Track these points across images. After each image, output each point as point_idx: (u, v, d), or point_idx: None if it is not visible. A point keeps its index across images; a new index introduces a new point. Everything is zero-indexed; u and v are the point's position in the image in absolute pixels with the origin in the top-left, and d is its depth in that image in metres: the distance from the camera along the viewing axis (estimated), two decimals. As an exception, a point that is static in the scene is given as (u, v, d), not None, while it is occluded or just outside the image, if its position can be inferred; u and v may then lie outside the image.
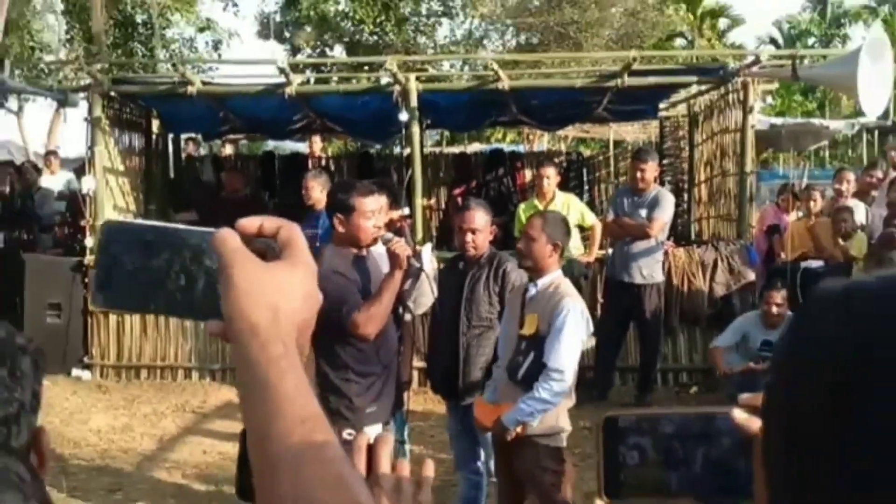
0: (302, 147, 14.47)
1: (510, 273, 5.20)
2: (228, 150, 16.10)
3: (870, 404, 0.66)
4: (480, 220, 5.25)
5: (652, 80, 9.65)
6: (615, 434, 1.04)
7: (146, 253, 0.99)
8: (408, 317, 5.46)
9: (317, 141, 13.48)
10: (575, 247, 8.32)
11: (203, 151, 15.15)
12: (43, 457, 1.35)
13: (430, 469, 1.23)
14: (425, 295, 5.21)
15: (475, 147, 17.89)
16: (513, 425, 4.43)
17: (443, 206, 12.74)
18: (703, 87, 10.31)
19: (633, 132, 16.16)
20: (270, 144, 18.66)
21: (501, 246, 6.20)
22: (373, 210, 4.57)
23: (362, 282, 4.52)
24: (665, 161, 12.72)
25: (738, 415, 0.96)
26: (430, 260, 5.37)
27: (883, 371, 0.66)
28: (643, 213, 7.99)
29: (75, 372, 9.27)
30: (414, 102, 9.27)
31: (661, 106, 11.42)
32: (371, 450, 1.21)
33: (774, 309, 7.28)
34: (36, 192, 11.03)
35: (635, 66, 9.18)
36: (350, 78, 12.01)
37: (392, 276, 4.49)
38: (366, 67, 12.96)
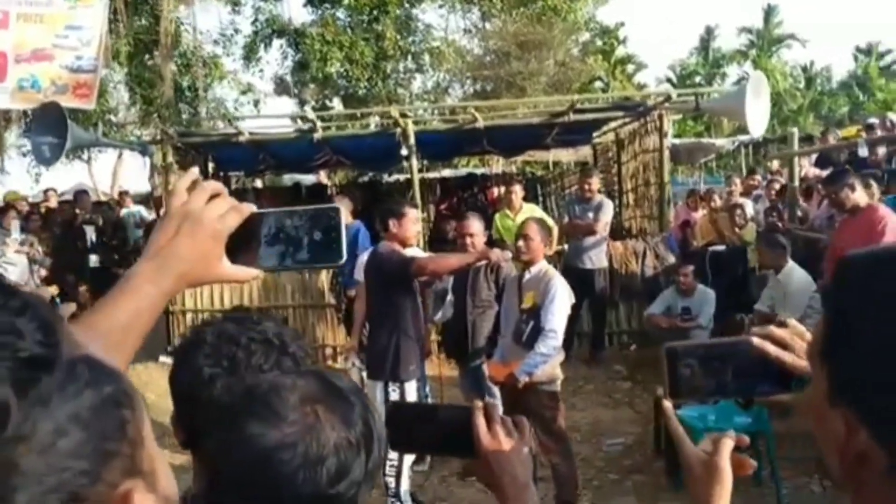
0: (312, 178, 14.40)
1: (503, 265, 5.32)
2: (259, 183, 16.13)
3: None
4: (477, 227, 5.32)
5: (590, 115, 9.83)
6: (674, 358, 1.13)
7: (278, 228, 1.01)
8: (429, 325, 5.70)
9: (322, 174, 13.43)
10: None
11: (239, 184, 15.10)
12: None
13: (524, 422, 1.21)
14: (446, 311, 5.59)
15: (448, 172, 17.87)
16: (524, 376, 4.48)
17: (431, 218, 12.81)
18: (627, 119, 10.41)
19: (567, 155, 16.08)
20: (286, 178, 18.69)
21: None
22: (417, 217, 4.84)
23: None
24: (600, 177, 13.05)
25: (756, 340, 1.14)
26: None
27: None
28: (590, 215, 8.08)
29: (162, 358, 9.20)
30: (412, 140, 9.37)
31: (595, 134, 11.57)
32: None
33: (683, 279, 7.34)
34: (118, 221, 11.02)
35: (578, 106, 9.42)
36: (356, 123, 12.10)
37: (470, 257, 4.79)
38: (359, 113, 13.16)
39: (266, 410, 0.88)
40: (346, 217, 6.96)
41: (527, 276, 4.72)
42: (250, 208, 1.00)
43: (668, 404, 1.21)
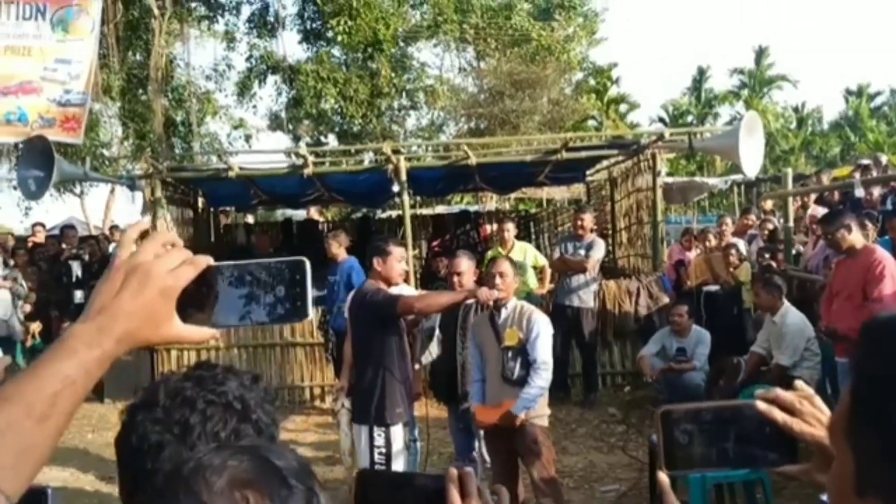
0: (304, 214, 14.40)
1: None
2: (250, 218, 16.08)
3: None
4: (465, 265, 5.22)
5: (583, 154, 9.85)
6: (669, 423, 1.06)
7: (239, 283, 0.97)
8: (417, 366, 5.56)
9: (314, 210, 13.37)
10: (532, 282, 8.34)
11: (231, 220, 15.06)
12: None
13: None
14: (435, 351, 5.56)
15: (442, 208, 17.87)
16: (522, 412, 4.47)
17: (424, 255, 12.74)
18: (620, 158, 10.39)
19: (560, 192, 16.08)
20: (278, 213, 18.64)
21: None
22: (402, 256, 4.75)
23: None
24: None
25: (761, 405, 1.03)
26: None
27: None
28: (581, 253, 8.05)
29: (145, 397, 9.03)
30: (403, 177, 9.34)
31: (588, 172, 11.56)
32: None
33: (678, 319, 7.34)
34: (104, 256, 10.88)
35: (571, 144, 9.42)
36: (350, 159, 12.10)
37: (458, 295, 4.68)
38: (353, 150, 13.21)
39: (188, 496, 0.75)
40: (341, 253, 6.93)
41: (503, 313, 4.66)
42: (206, 261, 0.94)
43: (663, 478, 1.09)
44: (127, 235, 0.96)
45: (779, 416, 1.03)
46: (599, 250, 8.14)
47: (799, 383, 1.07)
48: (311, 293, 0.98)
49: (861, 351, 0.69)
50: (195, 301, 0.94)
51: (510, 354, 4.54)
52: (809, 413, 1.01)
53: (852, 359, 0.72)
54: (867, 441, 0.65)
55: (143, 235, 0.97)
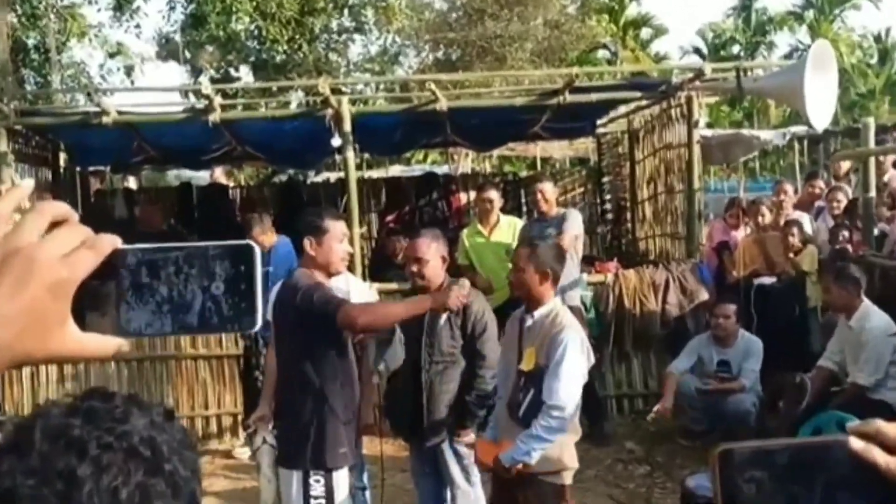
0: (207, 176, 14.15)
1: (471, 304, 5.14)
2: (132, 182, 15.83)
3: None
4: (428, 249, 5.18)
5: (594, 96, 9.74)
6: (731, 467, 1.04)
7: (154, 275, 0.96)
8: (375, 379, 5.64)
9: (220, 171, 13.16)
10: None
11: (105, 184, 14.82)
12: None
13: None
14: (396, 357, 5.47)
15: (399, 170, 17.80)
16: (510, 464, 4.45)
17: (374, 234, 12.70)
18: (643, 103, 10.39)
19: (561, 150, 16.32)
20: (171, 176, 18.43)
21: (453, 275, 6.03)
22: (344, 234, 4.76)
23: None
24: (604, 179, 12.91)
25: (856, 443, 1.00)
26: (367, 290, 5.56)
27: None
28: (551, 233, 7.78)
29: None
30: (347, 126, 9.21)
31: (599, 122, 11.50)
32: None
33: (720, 322, 7.38)
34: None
35: (576, 84, 9.28)
36: (271, 101, 11.97)
37: (424, 302, 4.73)
38: (275, 88, 13.04)
39: None
40: (268, 238, 7.29)
41: (528, 321, 4.67)
42: (112, 243, 0.92)
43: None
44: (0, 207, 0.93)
45: (881, 458, 1.01)
46: (574, 223, 8.04)
47: None
48: (261, 293, 0.97)
49: None
50: (97, 300, 0.93)
51: (522, 382, 4.58)
52: None
53: None
54: None
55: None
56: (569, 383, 4.45)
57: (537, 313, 4.62)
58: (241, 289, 0.95)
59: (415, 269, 5.16)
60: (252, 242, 0.98)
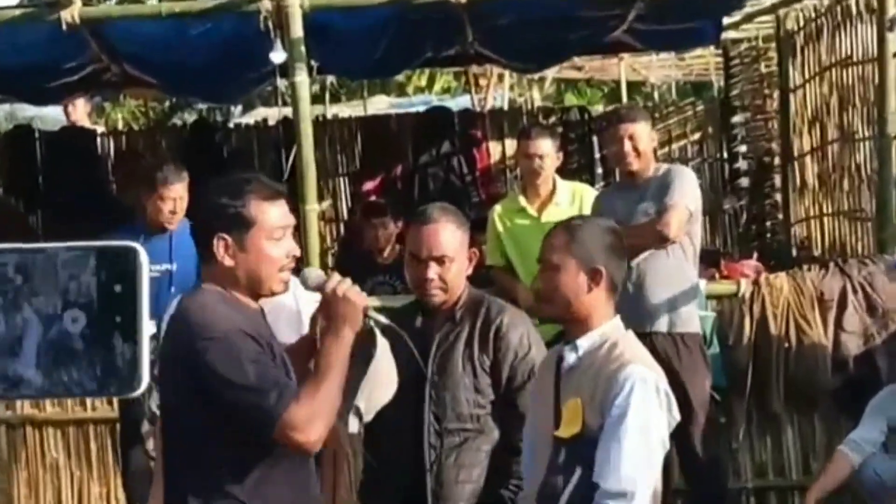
0: (58, 114, 11.68)
1: (508, 331, 4.21)
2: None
3: None
4: (453, 239, 4.14)
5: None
6: None
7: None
8: (353, 426, 4.22)
9: (82, 104, 11.02)
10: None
11: None
12: None
13: None
14: (381, 386, 4.18)
15: (383, 104, 15.72)
16: None
17: (343, 213, 10.52)
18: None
19: (661, 68, 14.00)
20: (0, 113, 15.52)
21: (479, 283, 5.01)
22: (286, 224, 3.48)
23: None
24: (737, 118, 10.87)
25: None
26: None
27: None
28: (645, 209, 6.23)
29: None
30: (298, 32, 7.00)
31: (725, 23, 9.15)
32: None
33: None
34: None
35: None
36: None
37: (338, 337, 3.52)
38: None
39: None
40: (181, 207, 6.28)
41: (569, 358, 3.67)
42: None
43: None
44: None
45: None
46: (685, 192, 6.23)
47: None
48: (148, 327, 0.88)
49: None
50: None
51: (562, 455, 3.56)
52: None
53: None
54: None
55: None
56: (638, 452, 3.47)
57: (583, 343, 3.61)
58: (116, 324, 0.85)
59: (431, 274, 4.08)
60: (134, 245, 0.88)
